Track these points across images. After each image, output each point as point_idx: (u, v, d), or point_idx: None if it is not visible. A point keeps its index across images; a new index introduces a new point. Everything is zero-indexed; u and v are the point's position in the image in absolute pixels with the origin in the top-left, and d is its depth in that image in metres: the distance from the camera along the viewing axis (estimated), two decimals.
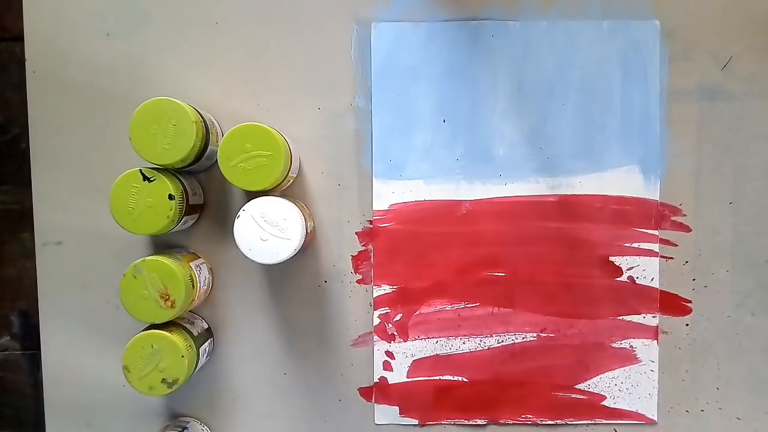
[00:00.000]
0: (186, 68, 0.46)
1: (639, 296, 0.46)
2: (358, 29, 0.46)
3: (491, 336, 0.46)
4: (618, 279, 0.46)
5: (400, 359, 0.47)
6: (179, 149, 0.40)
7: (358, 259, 0.46)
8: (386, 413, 0.47)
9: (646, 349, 0.46)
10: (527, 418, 0.47)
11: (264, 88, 0.46)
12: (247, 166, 0.40)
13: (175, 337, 0.41)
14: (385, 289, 0.46)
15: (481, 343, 0.47)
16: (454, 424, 0.47)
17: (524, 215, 0.46)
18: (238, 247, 0.40)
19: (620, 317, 0.46)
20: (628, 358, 0.46)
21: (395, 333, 0.46)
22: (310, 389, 0.47)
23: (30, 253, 0.47)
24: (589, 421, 0.47)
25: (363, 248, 0.46)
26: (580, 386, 0.47)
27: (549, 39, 0.45)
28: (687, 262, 0.46)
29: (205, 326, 0.46)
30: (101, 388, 0.46)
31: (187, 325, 0.43)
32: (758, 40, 0.45)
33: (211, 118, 0.44)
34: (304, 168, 0.46)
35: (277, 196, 0.41)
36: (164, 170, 0.41)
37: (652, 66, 0.45)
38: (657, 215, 0.46)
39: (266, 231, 0.40)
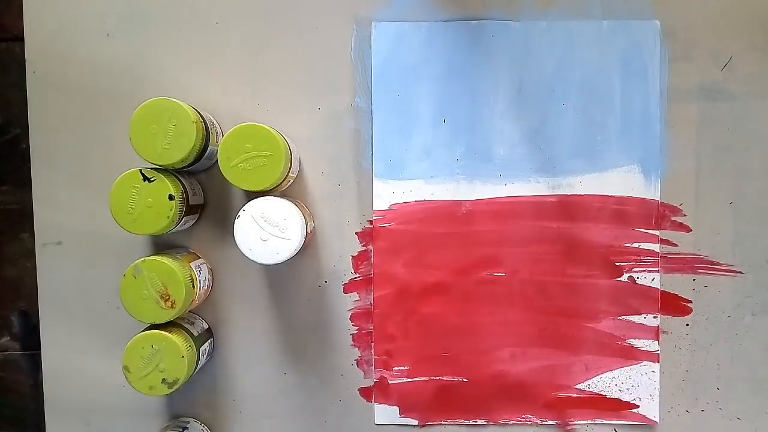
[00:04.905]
0: (186, 68, 0.46)
1: (639, 296, 0.46)
2: (358, 29, 0.46)
3: (491, 336, 0.46)
4: (618, 279, 0.46)
5: (400, 359, 0.47)
6: (179, 149, 0.40)
7: (358, 259, 0.46)
8: (386, 413, 0.47)
9: (646, 349, 0.46)
10: (527, 418, 0.47)
11: (264, 88, 0.46)
12: (247, 166, 0.40)
13: (175, 338, 0.41)
14: (385, 289, 0.46)
15: (481, 344, 0.47)
16: (454, 424, 0.47)
17: (524, 215, 0.46)
18: (238, 247, 0.40)
19: (620, 317, 0.46)
20: (629, 358, 0.46)
21: (395, 333, 0.46)
22: (310, 389, 0.47)
23: (30, 253, 0.47)
24: (589, 421, 0.47)
25: (363, 248, 0.46)
26: (580, 386, 0.47)
27: (549, 39, 0.45)
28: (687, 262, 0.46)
29: (205, 326, 0.46)
30: (101, 388, 0.46)
31: (187, 326, 0.43)
32: (758, 40, 0.45)
33: (211, 118, 0.44)
34: (304, 168, 0.46)
35: (278, 196, 0.41)
36: (164, 170, 0.41)
37: (652, 66, 0.45)
38: (657, 215, 0.46)
39: (266, 231, 0.40)
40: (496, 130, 0.46)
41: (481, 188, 0.46)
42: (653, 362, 0.46)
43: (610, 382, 0.46)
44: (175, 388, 0.41)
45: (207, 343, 0.45)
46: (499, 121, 0.46)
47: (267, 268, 0.46)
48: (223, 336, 0.46)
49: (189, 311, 0.45)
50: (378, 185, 0.46)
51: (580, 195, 0.46)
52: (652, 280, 0.46)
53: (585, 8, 0.45)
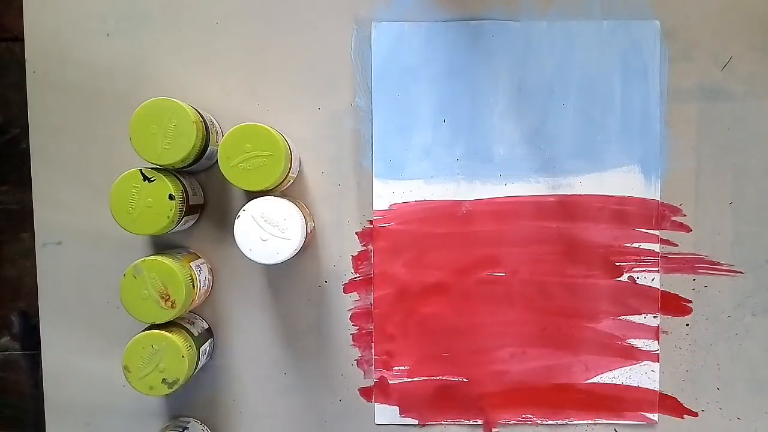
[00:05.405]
0: (186, 68, 0.46)
1: (639, 296, 0.46)
2: (358, 29, 0.46)
3: (491, 336, 0.46)
4: (618, 279, 0.46)
5: (400, 359, 0.47)
6: (179, 149, 0.40)
7: (358, 259, 0.46)
8: (386, 413, 0.47)
9: (646, 349, 0.46)
10: (527, 418, 0.47)
11: (264, 88, 0.46)
12: (247, 166, 0.40)
13: (176, 338, 0.41)
14: (385, 289, 0.46)
15: (481, 343, 0.47)
16: (454, 424, 0.47)
17: (524, 215, 0.46)
18: (238, 247, 0.40)
19: (620, 317, 0.46)
20: (629, 358, 0.46)
21: (395, 333, 0.46)
22: (310, 389, 0.47)
23: (30, 253, 0.47)
24: (589, 421, 0.47)
25: (363, 248, 0.46)
26: (580, 386, 0.47)
27: (549, 39, 0.45)
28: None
29: (206, 326, 0.46)
30: (101, 388, 0.46)
31: (188, 326, 0.43)
32: (758, 40, 0.45)
33: (211, 118, 0.44)
34: (304, 168, 0.46)
35: (278, 196, 0.41)
36: (164, 170, 0.41)
37: (652, 66, 0.45)
38: (657, 215, 0.46)
39: (266, 231, 0.40)
40: (496, 130, 0.46)
41: (481, 188, 0.46)
42: (653, 362, 0.46)
43: (610, 382, 0.46)
44: (175, 388, 0.41)
45: (207, 343, 0.45)
46: (499, 121, 0.46)
47: (267, 268, 0.46)
48: (223, 336, 0.46)
49: (189, 311, 0.45)
50: (378, 185, 0.46)
51: (580, 195, 0.46)
52: (652, 280, 0.46)
53: (585, 8, 0.45)
